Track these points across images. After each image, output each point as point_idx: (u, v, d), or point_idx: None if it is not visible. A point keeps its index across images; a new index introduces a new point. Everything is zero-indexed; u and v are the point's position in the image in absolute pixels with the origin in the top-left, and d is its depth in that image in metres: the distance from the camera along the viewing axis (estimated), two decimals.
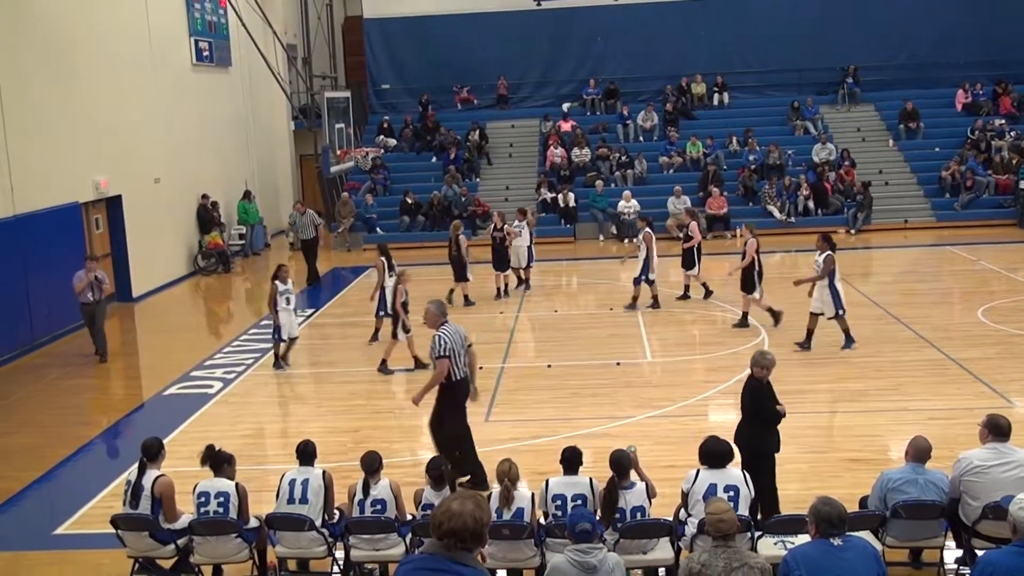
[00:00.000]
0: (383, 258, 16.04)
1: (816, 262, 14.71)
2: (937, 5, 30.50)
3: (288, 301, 15.02)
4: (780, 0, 31.07)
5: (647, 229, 17.90)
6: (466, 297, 18.99)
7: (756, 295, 16.20)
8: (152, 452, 8.42)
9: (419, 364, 14.68)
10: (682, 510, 7.89)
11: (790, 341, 14.98)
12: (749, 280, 16.15)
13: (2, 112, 16.79)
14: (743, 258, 16.16)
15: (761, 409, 8.79)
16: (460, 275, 18.74)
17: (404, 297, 14.71)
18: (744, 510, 7.49)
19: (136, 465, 8.40)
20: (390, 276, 15.76)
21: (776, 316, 16.16)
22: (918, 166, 28.33)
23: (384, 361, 14.82)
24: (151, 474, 8.34)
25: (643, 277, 17.74)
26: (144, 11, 22.20)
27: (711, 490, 7.58)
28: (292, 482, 8.21)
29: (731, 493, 7.55)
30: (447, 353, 10.01)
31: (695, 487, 7.68)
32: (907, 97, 29.90)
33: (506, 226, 19.29)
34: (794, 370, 13.86)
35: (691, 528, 7.60)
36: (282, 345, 15.22)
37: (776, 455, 8.78)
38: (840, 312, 14.65)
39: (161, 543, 8.18)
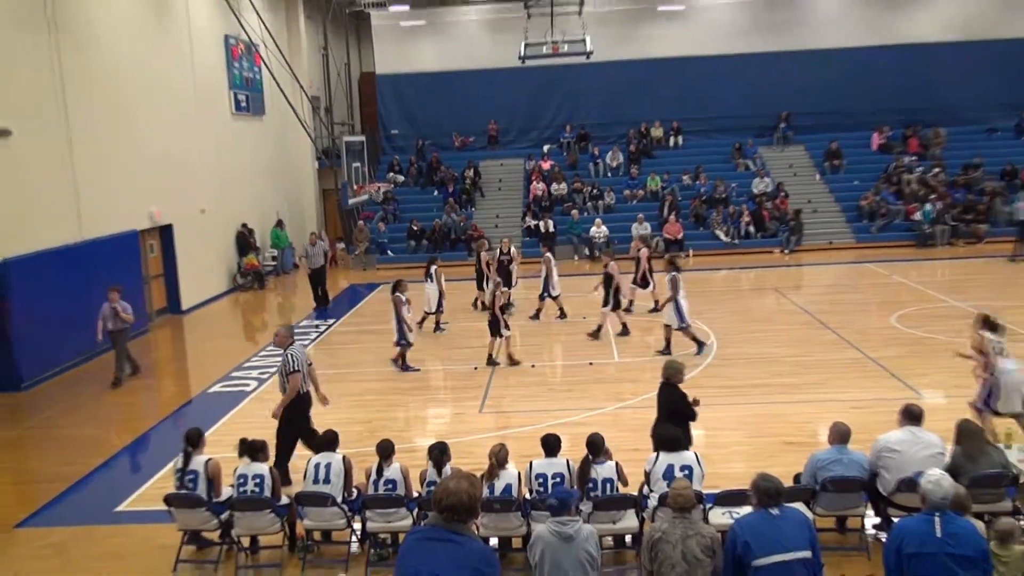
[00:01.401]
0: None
1: (666, 282, 14.71)
2: (857, 61, 30.72)
3: (408, 311, 14.82)
4: (724, 58, 31.23)
5: (547, 254, 18.03)
6: (478, 302, 19.32)
7: (607, 309, 16.32)
8: (194, 440, 8.42)
9: (513, 362, 14.88)
10: (645, 487, 7.90)
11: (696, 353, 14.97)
12: (607, 297, 16.29)
13: (72, 152, 16.77)
14: (608, 281, 16.22)
15: (678, 409, 8.80)
16: (480, 285, 19.00)
17: (504, 300, 14.87)
18: (698, 486, 7.49)
19: (181, 455, 8.38)
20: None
21: (624, 329, 16.40)
22: (841, 196, 28.46)
23: (490, 355, 14.95)
24: (200, 459, 8.32)
25: (545, 294, 17.92)
26: (191, 68, 22.21)
27: (669, 470, 7.59)
28: (317, 466, 8.19)
29: (686, 472, 7.56)
30: (299, 368, 9.88)
31: (655, 468, 7.69)
32: (831, 139, 30.14)
33: (512, 248, 19.19)
34: (738, 369, 13.95)
35: (652, 502, 7.61)
36: (396, 350, 15.00)
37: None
38: (684, 325, 14.60)
39: (215, 514, 8.15)
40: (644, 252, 17.70)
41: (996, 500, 7.60)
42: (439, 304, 17.44)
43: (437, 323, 17.76)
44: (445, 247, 26.94)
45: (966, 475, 7.37)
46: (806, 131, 31.23)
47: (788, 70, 30.94)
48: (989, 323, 10.32)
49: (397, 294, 14.58)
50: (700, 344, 14.83)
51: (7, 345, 14.92)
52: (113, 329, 14.92)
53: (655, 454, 7.80)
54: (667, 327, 14.90)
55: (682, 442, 7.82)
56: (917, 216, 26.26)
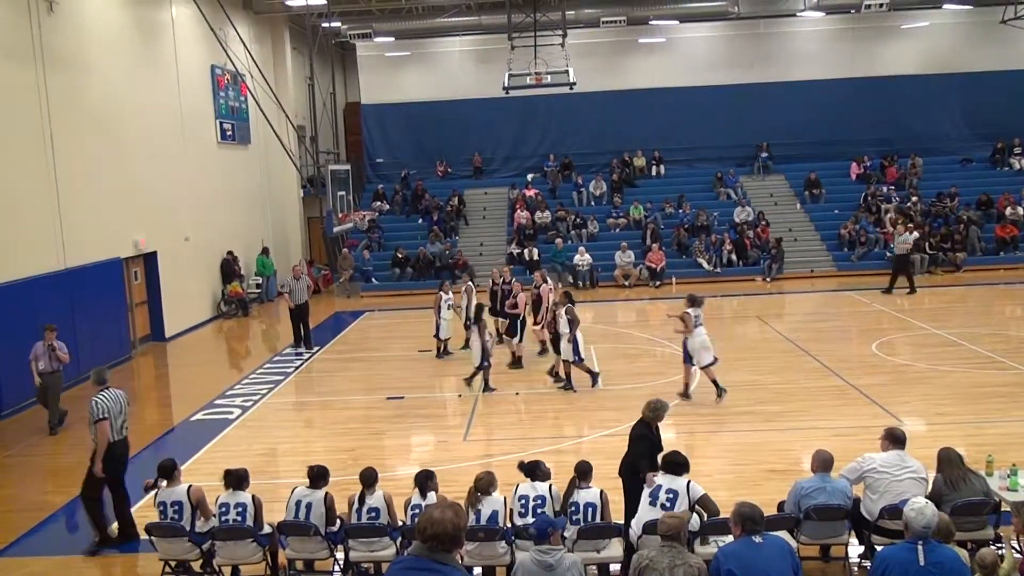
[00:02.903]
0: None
1: (560, 314, 14.60)
2: (835, 93, 31.08)
3: (489, 335, 15.08)
4: (705, 89, 31.51)
5: (469, 283, 18.02)
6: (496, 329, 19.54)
7: (516, 340, 16.47)
8: (167, 471, 8.35)
9: (516, 362, 15.69)
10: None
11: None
12: (513, 327, 16.35)
13: (56, 179, 16.69)
14: (515, 307, 16.47)
15: (643, 450, 8.61)
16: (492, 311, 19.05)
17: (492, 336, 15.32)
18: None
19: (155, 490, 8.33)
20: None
21: (517, 361, 16.43)
22: (821, 225, 28.68)
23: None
24: (180, 488, 8.22)
25: (468, 322, 17.78)
26: (177, 97, 22.20)
27: (656, 491, 7.54)
28: (298, 504, 8.00)
29: (670, 496, 7.46)
30: (104, 416, 9.29)
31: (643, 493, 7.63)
32: (811, 168, 30.44)
33: (514, 280, 18.36)
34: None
35: (636, 529, 7.55)
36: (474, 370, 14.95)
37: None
38: (578, 359, 14.47)
39: (196, 544, 8.04)
40: (545, 288, 16.53)
41: (978, 528, 7.58)
42: (437, 329, 17.42)
43: (445, 348, 17.73)
44: (430, 275, 26.90)
45: (948, 503, 7.36)
46: (786, 161, 31.49)
47: (767, 101, 31.25)
48: (692, 299, 13.43)
49: (483, 320, 14.83)
50: (595, 376, 14.81)
51: None
52: (46, 370, 13.75)
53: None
54: (564, 362, 14.72)
55: (684, 468, 7.72)
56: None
